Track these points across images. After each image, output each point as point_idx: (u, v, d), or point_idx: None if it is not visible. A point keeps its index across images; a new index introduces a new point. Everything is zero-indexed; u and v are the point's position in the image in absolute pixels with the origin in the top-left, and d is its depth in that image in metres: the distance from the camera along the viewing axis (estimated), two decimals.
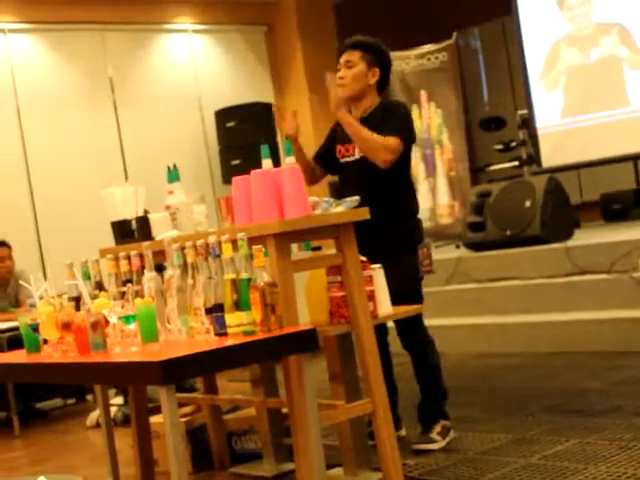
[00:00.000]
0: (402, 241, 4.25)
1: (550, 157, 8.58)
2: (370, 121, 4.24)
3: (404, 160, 4.27)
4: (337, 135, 4.42)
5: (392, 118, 4.22)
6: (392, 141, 4.14)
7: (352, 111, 4.34)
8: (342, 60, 4.30)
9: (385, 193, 4.18)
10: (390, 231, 4.20)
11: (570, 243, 6.82)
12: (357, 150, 4.27)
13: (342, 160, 4.38)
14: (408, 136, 4.24)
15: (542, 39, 8.66)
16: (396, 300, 3.91)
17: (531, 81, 8.74)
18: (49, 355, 3.64)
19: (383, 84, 4.35)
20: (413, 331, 4.27)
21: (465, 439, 4.32)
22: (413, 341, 4.30)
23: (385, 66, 4.33)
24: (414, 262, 4.28)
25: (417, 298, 4.23)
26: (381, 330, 4.19)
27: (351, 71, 4.26)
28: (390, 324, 4.23)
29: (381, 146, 4.13)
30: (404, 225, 4.27)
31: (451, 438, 4.29)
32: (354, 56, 4.26)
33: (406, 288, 4.13)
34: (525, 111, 8.91)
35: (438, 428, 4.27)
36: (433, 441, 4.23)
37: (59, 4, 8.55)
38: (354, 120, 4.21)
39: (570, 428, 4.22)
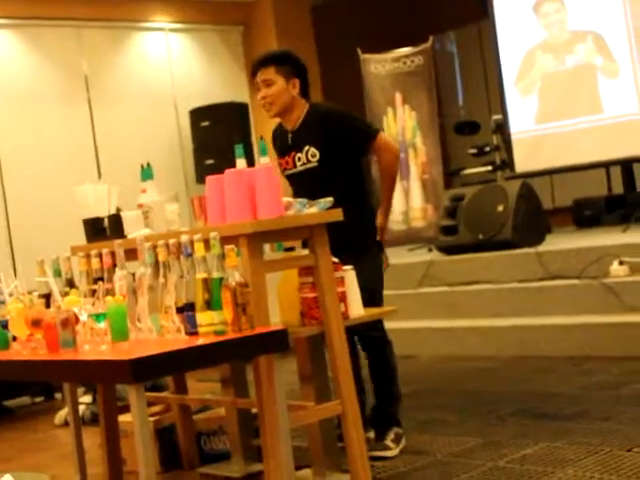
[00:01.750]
0: (360, 244, 4.23)
1: (523, 162, 8.63)
2: (304, 130, 4.27)
3: (353, 162, 4.29)
4: (277, 146, 4.46)
5: (348, 128, 4.24)
6: (383, 148, 4.25)
7: (283, 124, 4.36)
8: (259, 80, 4.29)
9: (335, 198, 3.86)
10: (347, 235, 4.03)
11: (541, 248, 6.85)
12: (299, 162, 4.29)
13: (285, 173, 4.39)
14: (371, 125, 4.46)
15: (518, 45, 8.71)
16: None
17: (506, 86, 8.79)
18: (18, 352, 3.62)
19: (305, 90, 4.33)
20: (372, 331, 4.25)
21: (434, 441, 4.33)
22: (372, 341, 4.29)
23: (302, 73, 4.32)
24: (373, 265, 4.26)
25: (377, 300, 4.21)
26: (349, 331, 4.18)
27: (272, 89, 4.24)
28: None
29: (392, 169, 4.32)
30: (360, 229, 4.25)
31: (403, 446, 4.26)
32: (269, 73, 4.25)
33: (363, 289, 3.94)
34: (499, 116, 8.95)
35: (392, 435, 4.25)
36: (388, 448, 4.21)
37: None
38: (383, 218, 4.37)
39: (539, 432, 4.24)
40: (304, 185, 4.25)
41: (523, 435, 4.22)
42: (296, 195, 4.31)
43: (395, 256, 7.96)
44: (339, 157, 4.24)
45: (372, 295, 4.13)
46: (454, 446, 4.21)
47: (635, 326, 5.71)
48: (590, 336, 5.88)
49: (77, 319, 3.40)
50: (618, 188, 8.99)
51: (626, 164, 8.53)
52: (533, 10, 8.61)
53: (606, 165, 8.75)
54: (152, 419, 4.42)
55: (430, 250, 7.93)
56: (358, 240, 4.23)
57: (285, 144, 4.35)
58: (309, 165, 4.26)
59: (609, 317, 5.93)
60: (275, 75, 4.23)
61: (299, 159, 4.29)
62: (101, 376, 3.31)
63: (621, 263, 6.15)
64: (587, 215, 8.56)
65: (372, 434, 4.40)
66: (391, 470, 3.97)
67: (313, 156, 4.24)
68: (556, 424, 4.34)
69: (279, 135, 4.43)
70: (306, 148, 4.25)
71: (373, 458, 4.04)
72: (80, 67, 8.92)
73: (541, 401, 4.85)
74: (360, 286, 3.88)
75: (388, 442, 4.23)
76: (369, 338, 4.28)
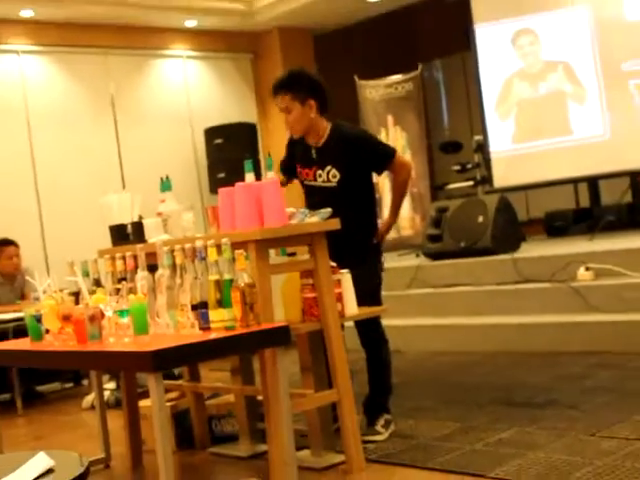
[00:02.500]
0: (363, 252, 4.22)
1: (501, 178, 8.62)
2: (327, 150, 4.13)
3: (367, 183, 4.25)
4: (296, 154, 4.29)
5: (370, 151, 4.16)
6: (399, 167, 4.25)
7: (306, 140, 4.18)
8: (279, 105, 4.09)
9: (348, 214, 3.94)
10: (353, 244, 4.13)
11: (517, 255, 6.86)
12: (320, 178, 4.17)
13: (305, 182, 4.28)
14: (388, 146, 4.35)
15: (497, 73, 8.71)
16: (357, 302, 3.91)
17: (486, 110, 8.78)
18: (50, 343, 3.64)
19: (324, 105, 4.10)
20: (372, 331, 4.25)
21: (419, 427, 4.33)
22: (371, 340, 4.27)
23: (316, 90, 4.07)
24: (373, 270, 4.26)
25: (376, 302, 4.21)
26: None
27: (291, 116, 4.06)
28: (349, 324, 4.22)
29: (405, 187, 4.31)
30: (365, 239, 4.25)
31: (392, 430, 4.24)
32: (286, 101, 4.04)
33: (364, 292, 3.99)
34: (480, 137, 8.94)
35: (382, 421, 4.23)
36: (378, 433, 4.19)
37: (67, 29, 8.54)
38: (389, 222, 4.39)
39: (512, 418, 4.24)
40: (320, 198, 4.11)
41: (498, 421, 4.23)
42: (308, 202, 4.27)
43: (386, 261, 7.96)
44: (357, 178, 4.15)
45: (372, 297, 4.16)
46: (436, 431, 4.21)
47: (599, 324, 5.72)
48: (559, 333, 5.88)
49: (103, 315, 3.42)
50: (585, 202, 9.00)
51: (592, 180, 8.54)
52: (511, 42, 8.61)
53: (574, 181, 8.75)
54: (169, 404, 4.42)
55: (417, 256, 7.93)
56: (363, 249, 4.22)
57: (309, 157, 4.18)
58: (328, 184, 4.14)
59: (576, 316, 5.94)
60: (291, 102, 4.04)
61: (320, 175, 4.16)
62: (124, 365, 3.33)
63: (587, 269, 6.16)
64: (557, 226, 8.56)
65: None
66: (381, 452, 3.98)
67: (334, 177, 4.12)
68: (528, 411, 4.35)
69: (301, 146, 4.23)
70: (328, 168, 4.12)
71: (365, 442, 4.05)
72: (107, 90, 8.94)
73: (515, 391, 4.85)
74: (361, 289, 3.90)
75: (378, 427, 4.22)
76: (369, 337, 4.28)
